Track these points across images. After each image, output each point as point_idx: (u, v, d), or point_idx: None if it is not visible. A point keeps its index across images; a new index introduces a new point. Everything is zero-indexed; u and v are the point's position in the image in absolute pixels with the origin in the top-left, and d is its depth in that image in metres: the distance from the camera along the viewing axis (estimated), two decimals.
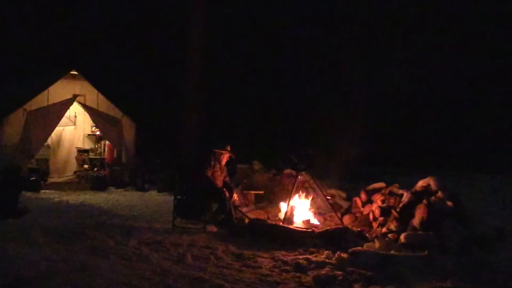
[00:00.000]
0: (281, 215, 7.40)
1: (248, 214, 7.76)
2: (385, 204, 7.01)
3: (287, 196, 7.55)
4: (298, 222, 7.25)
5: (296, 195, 7.63)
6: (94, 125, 13.43)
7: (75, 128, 13.87)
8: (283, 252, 5.81)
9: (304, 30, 17.76)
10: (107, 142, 13.27)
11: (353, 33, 15.52)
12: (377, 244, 6.03)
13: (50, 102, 12.06)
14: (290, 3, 18.87)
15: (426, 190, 6.67)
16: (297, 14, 18.67)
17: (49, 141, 12.87)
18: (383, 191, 7.33)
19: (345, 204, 8.49)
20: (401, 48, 16.68)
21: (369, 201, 7.48)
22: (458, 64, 17.82)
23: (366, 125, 11.08)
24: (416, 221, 6.28)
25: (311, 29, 17.64)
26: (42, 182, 11.68)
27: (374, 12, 16.57)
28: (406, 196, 6.71)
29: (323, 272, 4.99)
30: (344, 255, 5.46)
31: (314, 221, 7.44)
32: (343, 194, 8.90)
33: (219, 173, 7.68)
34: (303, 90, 17.67)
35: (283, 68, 18.78)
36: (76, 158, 13.80)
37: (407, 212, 6.47)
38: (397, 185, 7.32)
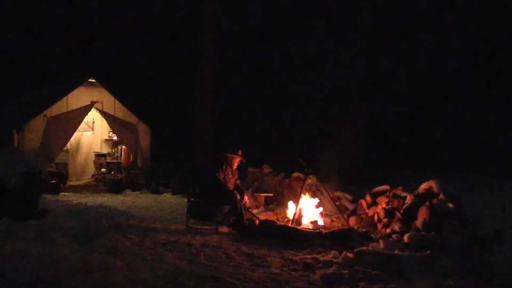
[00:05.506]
0: (290, 217, 7.50)
1: (258, 216, 7.88)
2: (389, 206, 7.13)
3: (296, 198, 7.66)
4: (306, 223, 7.36)
5: (304, 197, 7.74)
6: (111, 130, 13.55)
7: (93, 134, 13.98)
8: (292, 252, 5.92)
9: (309, 34, 17.82)
10: (123, 147, 13.37)
11: (356, 34, 15.60)
12: (381, 244, 6.13)
13: (69, 109, 12.20)
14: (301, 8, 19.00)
15: (429, 192, 6.78)
16: (303, 18, 18.76)
17: (68, 145, 13.00)
18: (387, 194, 7.46)
19: (351, 206, 8.59)
20: (403, 47, 16.67)
21: (374, 203, 7.63)
22: (459, 65, 17.77)
23: (369, 128, 11.17)
24: (419, 222, 6.42)
25: (313, 33, 17.69)
26: (61, 185, 11.75)
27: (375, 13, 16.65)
28: (409, 199, 6.84)
29: (330, 271, 5.10)
30: (350, 255, 5.57)
31: (321, 222, 7.53)
32: (349, 197, 8.94)
33: (230, 176, 7.77)
34: (310, 92, 17.71)
35: (293, 71, 18.84)
36: (94, 162, 13.87)
37: (410, 213, 6.61)
38: (400, 187, 7.43)
